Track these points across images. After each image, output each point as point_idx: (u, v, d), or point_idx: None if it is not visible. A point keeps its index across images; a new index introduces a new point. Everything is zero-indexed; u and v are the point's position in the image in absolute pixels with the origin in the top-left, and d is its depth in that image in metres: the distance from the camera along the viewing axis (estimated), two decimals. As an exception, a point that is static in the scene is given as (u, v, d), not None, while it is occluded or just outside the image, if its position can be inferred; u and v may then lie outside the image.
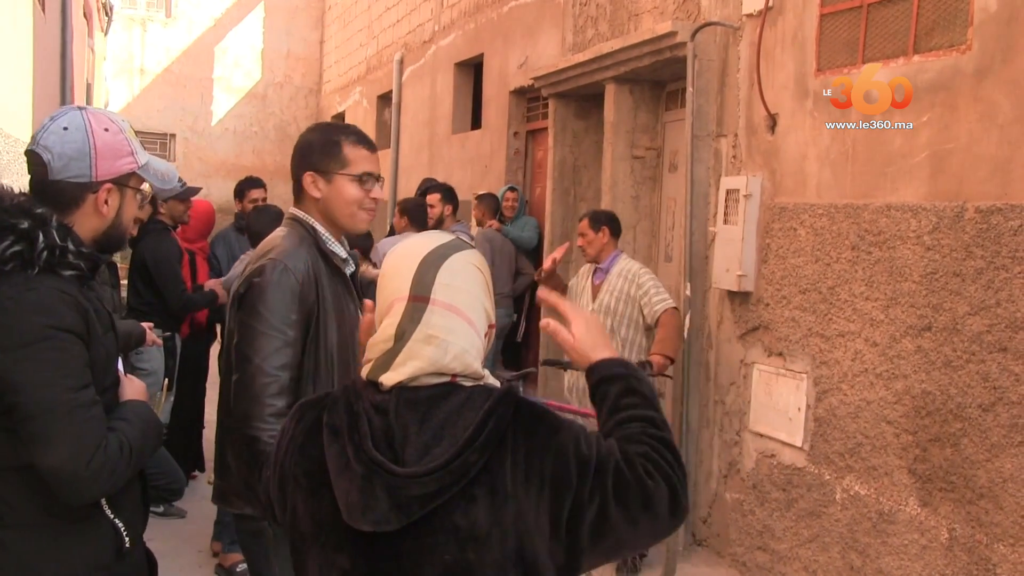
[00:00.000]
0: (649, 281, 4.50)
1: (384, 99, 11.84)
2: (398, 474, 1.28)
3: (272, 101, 16.23)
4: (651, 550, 4.47)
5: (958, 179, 3.40)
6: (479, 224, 7.07)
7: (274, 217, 4.68)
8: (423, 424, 1.32)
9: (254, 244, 4.71)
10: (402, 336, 1.35)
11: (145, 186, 1.96)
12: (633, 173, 5.79)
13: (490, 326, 1.43)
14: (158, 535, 4.58)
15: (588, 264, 4.77)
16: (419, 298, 1.36)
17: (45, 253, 1.68)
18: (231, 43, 16.04)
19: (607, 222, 4.67)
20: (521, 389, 4.47)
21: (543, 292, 1.61)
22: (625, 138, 5.74)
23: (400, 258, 1.41)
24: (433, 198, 5.95)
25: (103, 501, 1.76)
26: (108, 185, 1.81)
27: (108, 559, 1.77)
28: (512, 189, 7.17)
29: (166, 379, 4.48)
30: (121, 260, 6.26)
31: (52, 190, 1.77)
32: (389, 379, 1.35)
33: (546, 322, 1.54)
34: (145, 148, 1.95)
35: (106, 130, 1.80)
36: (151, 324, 3.35)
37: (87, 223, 1.81)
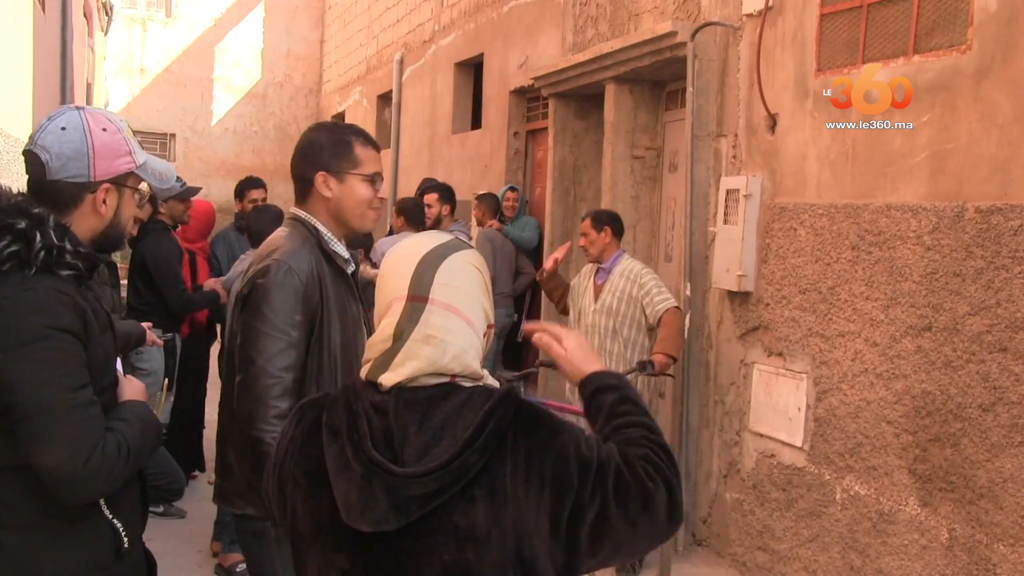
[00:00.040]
0: (651, 281, 4.49)
1: (384, 99, 11.84)
2: (397, 474, 1.28)
3: (272, 101, 16.23)
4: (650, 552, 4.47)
5: (958, 179, 3.40)
6: (479, 224, 7.07)
7: (274, 217, 4.68)
8: (422, 424, 1.32)
9: (254, 244, 4.71)
10: (400, 336, 1.35)
11: (143, 185, 1.95)
12: (633, 173, 5.79)
13: (489, 326, 1.43)
14: (158, 535, 4.58)
15: (590, 264, 4.76)
16: (417, 298, 1.36)
17: (42, 253, 1.68)
18: (231, 43, 16.04)
19: (609, 222, 4.66)
20: (522, 390, 4.47)
21: (530, 327, 1.61)
22: (625, 138, 5.74)
23: (399, 258, 1.41)
24: (430, 198, 5.96)
25: (101, 501, 1.75)
26: (106, 185, 1.81)
27: (106, 559, 1.77)
28: (512, 189, 7.17)
29: (166, 379, 4.48)
30: (121, 260, 6.26)
31: (50, 190, 1.77)
32: (388, 379, 1.35)
33: (538, 336, 1.56)
34: (145, 148, 1.95)
35: (104, 130, 1.80)
36: (150, 324, 3.35)
37: (85, 223, 1.81)
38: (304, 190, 2.30)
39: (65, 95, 8.38)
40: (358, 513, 1.29)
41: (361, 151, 2.28)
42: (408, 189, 8.78)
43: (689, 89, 4.80)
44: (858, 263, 3.83)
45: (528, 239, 6.95)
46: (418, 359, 1.34)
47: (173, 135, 15.71)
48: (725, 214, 4.61)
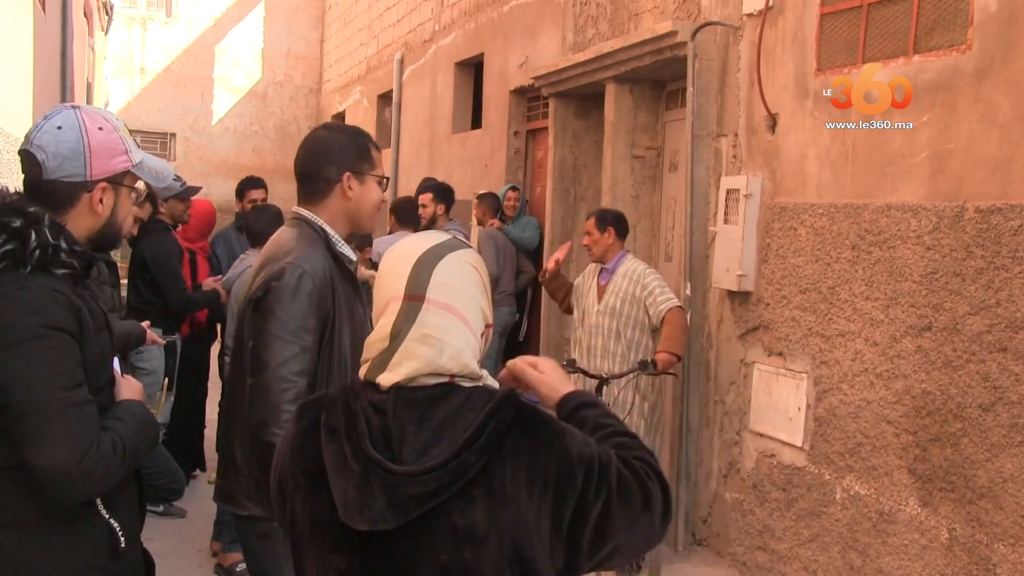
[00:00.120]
0: (654, 282, 4.48)
1: (384, 98, 11.84)
2: (395, 472, 1.28)
3: (272, 100, 16.23)
4: (653, 551, 4.47)
5: (958, 179, 3.40)
6: (480, 224, 7.07)
7: (274, 217, 4.69)
8: (421, 424, 1.32)
9: (253, 244, 4.71)
10: (397, 335, 1.35)
11: (140, 184, 1.95)
12: (633, 173, 5.79)
13: (487, 326, 1.43)
14: (158, 534, 4.59)
15: (594, 264, 4.75)
16: (414, 297, 1.36)
17: (37, 252, 1.68)
18: (231, 42, 16.04)
19: (613, 223, 4.63)
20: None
21: (515, 364, 1.61)
22: (625, 138, 5.74)
23: (396, 257, 1.41)
24: (425, 198, 5.96)
25: (98, 501, 1.75)
26: (103, 184, 1.81)
27: (103, 559, 1.76)
28: (514, 189, 7.17)
29: (166, 379, 4.48)
30: (121, 259, 6.27)
31: (47, 189, 1.77)
32: (386, 379, 1.35)
33: (512, 363, 1.58)
34: (145, 148, 1.95)
35: (100, 129, 1.80)
36: (148, 323, 3.35)
37: (82, 222, 1.81)
38: (320, 190, 2.28)
39: (65, 94, 8.38)
40: (356, 512, 1.29)
41: (375, 153, 2.33)
42: (408, 189, 8.78)
43: (689, 89, 4.80)
44: (858, 263, 3.83)
45: (529, 239, 6.95)
46: (415, 359, 1.34)
47: (173, 135, 15.71)
48: (725, 214, 4.61)
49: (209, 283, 5.19)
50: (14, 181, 1.97)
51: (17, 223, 1.68)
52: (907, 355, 3.59)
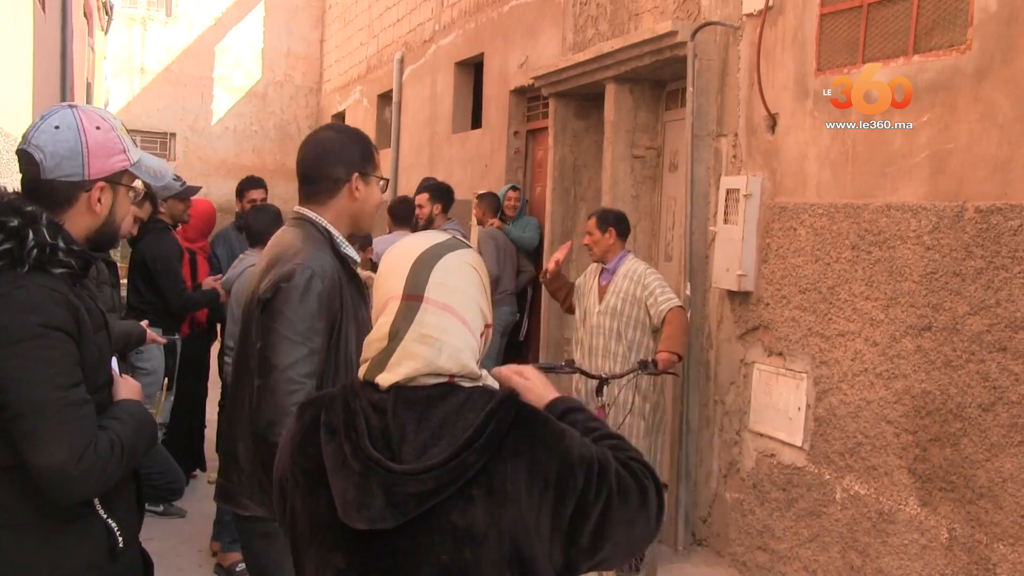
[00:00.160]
0: (655, 282, 4.48)
1: (384, 98, 11.84)
2: (395, 471, 1.28)
3: (272, 100, 16.22)
4: (648, 551, 4.47)
5: (958, 179, 3.40)
6: (480, 223, 7.07)
7: (273, 217, 4.69)
8: (421, 423, 1.32)
9: (253, 243, 4.71)
10: (396, 335, 1.35)
11: (137, 183, 1.95)
12: (633, 173, 5.79)
13: (486, 326, 1.43)
14: (158, 534, 4.59)
15: (595, 264, 4.74)
16: (413, 297, 1.36)
17: (35, 251, 1.68)
18: (231, 42, 16.03)
19: (615, 223, 4.62)
20: None
21: (500, 372, 1.63)
22: (625, 138, 5.74)
23: (396, 257, 1.41)
24: (421, 198, 5.96)
25: (96, 501, 1.75)
26: (101, 183, 1.80)
27: (101, 559, 1.76)
28: (515, 188, 7.17)
29: (166, 378, 4.49)
30: (121, 259, 6.26)
31: (45, 189, 1.76)
32: (385, 380, 1.35)
33: (497, 370, 1.59)
34: (145, 147, 1.96)
35: (98, 128, 1.80)
36: (147, 322, 3.34)
37: (80, 221, 1.81)
38: (327, 190, 2.28)
39: (65, 94, 8.37)
40: (355, 511, 1.29)
41: (376, 155, 2.34)
42: (408, 189, 8.78)
43: (689, 89, 4.80)
44: (858, 263, 3.83)
45: (529, 239, 6.95)
46: (414, 359, 1.34)
47: (173, 134, 15.71)
48: (725, 214, 4.61)
49: (209, 282, 5.19)
50: (13, 181, 1.97)
51: (15, 222, 1.68)
52: (907, 355, 3.59)
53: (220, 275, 5.19)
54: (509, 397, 1.34)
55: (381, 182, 2.35)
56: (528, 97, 7.68)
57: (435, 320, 1.35)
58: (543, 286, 5.19)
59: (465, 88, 9.24)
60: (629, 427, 4.51)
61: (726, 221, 4.60)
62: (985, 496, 3.25)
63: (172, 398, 5.11)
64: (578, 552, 1.33)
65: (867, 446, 3.76)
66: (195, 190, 5.09)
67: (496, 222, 6.89)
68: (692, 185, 4.87)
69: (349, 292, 2.23)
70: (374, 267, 5.32)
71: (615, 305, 4.53)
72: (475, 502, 1.28)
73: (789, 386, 4.21)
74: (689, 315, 4.74)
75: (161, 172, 1.97)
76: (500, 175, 7.78)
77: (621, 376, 4.35)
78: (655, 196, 5.84)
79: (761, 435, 4.41)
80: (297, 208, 2.33)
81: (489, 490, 1.28)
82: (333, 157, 2.28)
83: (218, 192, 13.65)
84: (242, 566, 4.00)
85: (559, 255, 4.84)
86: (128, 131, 1.91)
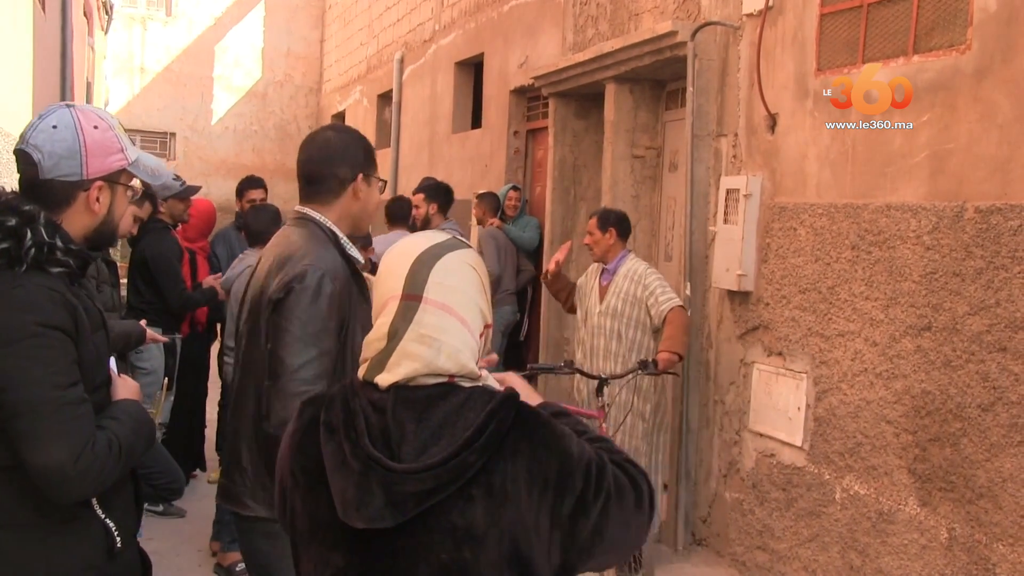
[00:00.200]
0: (655, 282, 4.48)
1: (384, 98, 11.84)
2: (394, 470, 1.28)
3: (272, 100, 16.23)
4: (646, 551, 4.47)
5: (958, 179, 3.40)
6: (480, 223, 7.07)
7: (272, 216, 4.69)
8: (420, 423, 1.32)
9: (252, 243, 4.71)
10: (395, 335, 1.35)
11: (135, 182, 1.95)
12: (633, 173, 5.79)
13: (486, 326, 1.43)
14: (157, 534, 4.60)
15: (596, 264, 4.74)
16: (412, 297, 1.36)
17: (33, 250, 1.67)
18: (231, 42, 16.04)
19: (615, 223, 4.62)
20: None
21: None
22: (625, 137, 5.74)
23: (395, 257, 1.41)
24: (417, 198, 5.96)
25: (94, 501, 1.74)
26: (99, 183, 1.80)
27: (99, 559, 1.76)
28: (515, 188, 7.18)
29: (166, 378, 4.49)
30: (121, 259, 6.26)
31: (43, 189, 1.76)
32: (384, 380, 1.35)
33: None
34: (145, 147, 1.96)
35: (95, 127, 1.79)
36: (144, 321, 3.34)
37: (78, 221, 1.80)
38: (332, 189, 2.28)
39: (65, 94, 8.37)
40: (354, 510, 1.29)
41: (375, 157, 2.36)
42: (408, 189, 8.76)
43: (689, 89, 4.80)
44: (858, 263, 3.83)
45: (529, 239, 6.95)
46: (413, 359, 1.34)
47: (173, 134, 15.71)
48: (725, 214, 4.61)
49: (209, 281, 5.19)
50: (13, 181, 1.97)
51: (12, 222, 1.68)
52: (907, 355, 3.59)
53: (220, 274, 5.19)
54: (510, 397, 1.34)
55: (380, 183, 2.36)
56: (528, 97, 7.68)
57: (434, 320, 1.35)
58: (544, 286, 5.18)
59: (465, 88, 9.24)
60: (630, 427, 4.51)
61: (726, 221, 4.60)
62: (985, 496, 3.25)
63: (172, 398, 5.11)
64: (577, 552, 1.34)
65: (867, 446, 3.76)
66: (195, 190, 5.09)
67: (496, 221, 6.89)
68: (692, 185, 4.87)
69: (355, 292, 2.23)
70: (374, 267, 5.33)
71: (615, 305, 4.53)
72: (475, 501, 1.28)
73: (789, 386, 4.21)
74: (689, 315, 4.74)
75: (158, 171, 1.97)
76: (500, 175, 7.78)
77: (621, 376, 4.35)
78: (655, 196, 5.84)
79: (761, 435, 4.41)
80: (299, 208, 2.32)
81: (489, 489, 1.28)
82: (338, 157, 2.28)
83: (218, 192, 13.66)
84: (241, 566, 4.01)
85: (559, 256, 4.84)
86: (128, 131, 1.91)
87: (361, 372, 1.39)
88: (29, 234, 1.68)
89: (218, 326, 5.53)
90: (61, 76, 8.36)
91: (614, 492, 1.35)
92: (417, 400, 1.34)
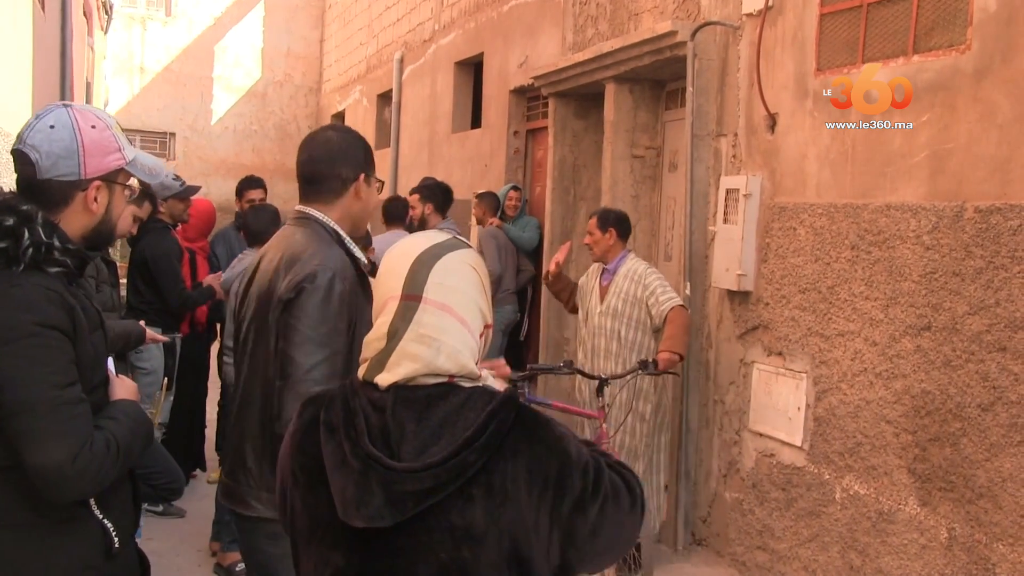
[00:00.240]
0: (656, 281, 4.47)
1: (384, 98, 11.84)
2: (394, 469, 1.28)
3: (272, 100, 16.23)
4: (645, 551, 4.47)
5: (957, 179, 3.40)
6: (479, 223, 7.07)
7: (271, 216, 4.69)
8: (420, 422, 1.33)
9: (251, 243, 4.71)
10: (395, 335, 1.35)
11: (133, 181, 1.95)
12: (633, 172, 5.79)
13: (486, 326, 1.43)
14: (157, 534, 4.60)
15: (597, 263, 4.74)
16: (411, 297, 1.36)
17: (30, 250, 1.67)
18: (231, 42, 16.03)
19: (615, 223, 4.61)
20: (525, 390, 4.46)
21: None
22: (625, 137, 5.74)
23: (396, 257, 1.42)
24: (412, 199, 5.96)
25: (91, 501, 1.74)
26: (97, 182, 1.80)
27: (97, 559, 1.76)
28: (516, 189, 7.18)
29: (165, 378, 4.49)
30: (121, 259, 6.26)
31: (41, 189, 1.76)
32: (384, 380, 1.35)
33: None
34: (145, 147, 1.96)
35: (93, 127, 1.79)
36: (143, 322, 3.34)
37: (76, 220, 1.80)
38: (334, 189, 2.27)
39: (65, 94, 8.37)
40: (354, 508, 1.29)
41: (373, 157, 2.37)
42: (408, 188, 8.76)
43: (689, 89, 4.80)
44: (857, 263, 3.83)
45: (528, 239, 6.95)
46: (413, 359, 1.34)
47: (173, 134, 15.71)
48: (725, 213, 4.61)
49: (209, 279, 5.19)
50: (12, 181, 1.96)
51: (10, 221, 1.68)
52: (906, 355, 3.59)
53: (220, 273, 5.19)
54: (510, 398, 1.35)
55: (378, 183, 2.37)
56: (528, 97, 7.68)
57: (433, 320, 1.35)
58: (546, 287, 5.18)
59: (465, 88, 9.24)
60: (630, 428, 4.51)
61: (726, 221, 4.60)
62: (984, 496, 3.25)
63: (172, 398, 5.11)
64: (575, 552, 1.34)
65: (867, 446, 3.77)
66: (195, 190, 5.09)
67: (496, 221, 6.89)
68: (692, 185, 4.87)
69: (360, 292, 2.23)
70: (373, 268, 5.33)
71: (616, 306, 4.53)
72: (474, 501, 1.28)
73: (789, 386, 4.21)
74: (689, 314, 4.74)
75: (156, 170, 1.97)
76: (500, 175, 7.78)
77: (621, 377, 4.35)
78: (655, 196, 5.84)
79: (761, 435, 4.41)
80: (300, 207, 2.31)
81: (489, 489, 1.29)
82: (340, 157, 2.27)
83: (218, 192, 13.66)
84: (241, 566, 4.00)
85: (559, 257, 4.84)
86: (128, 131, 1.91)
87: (361, 372, 1.39)
88: (27, 234, 1.68)
89: (218, 326, 5.53)
90: (61, 76, 8.36)
91: (611, 493, 1.36)
92: (417, 400, 1.34)
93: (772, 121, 4.36)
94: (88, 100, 11.83)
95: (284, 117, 16.25)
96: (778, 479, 4.28)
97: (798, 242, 4.17)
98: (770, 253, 4.35)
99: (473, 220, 7.28)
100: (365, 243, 4.97)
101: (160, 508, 4.92)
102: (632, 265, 4.58)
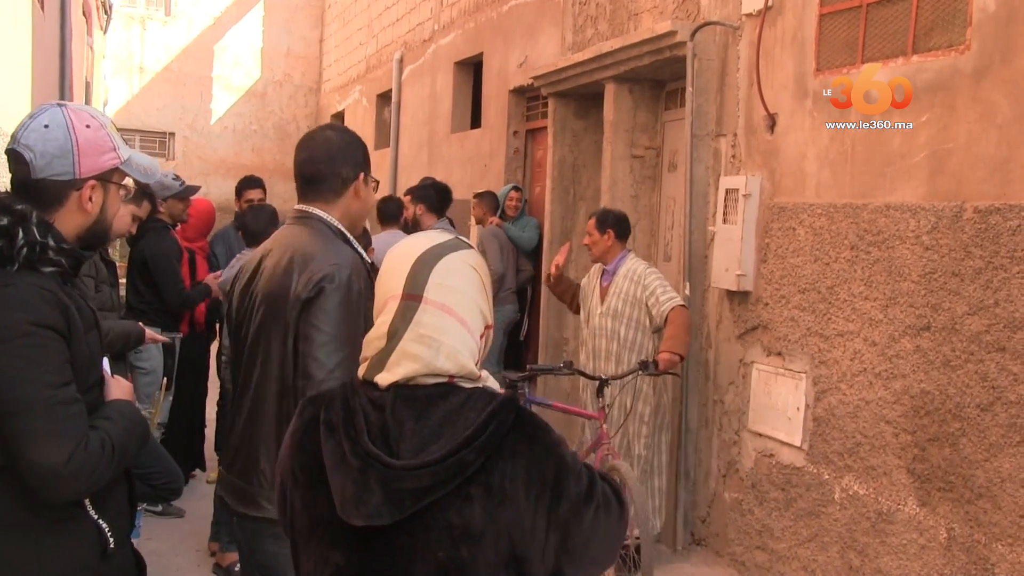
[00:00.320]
0: (655, 281, 4.47)
1: (384, 98, 11.84)
2: (393, 466, 1.28)
3: (272, 100, 16.22)
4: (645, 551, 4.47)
5: (957, 179, 3.40)
6: (479, 223, 7.07)
7: (270, 216, 4.69)
8: (419, 421, 1.33)
9: (249, 243, 4.70)
10: (395, 335, 1.35)
11: (128, 181, 1.94)
12: (633, 172, 5.79)
13: (487, 327, 1.43)
14: (156, 534, 4.60)
15: (597, 264, 4.74)
16: (412, 297, 1.36)
17: (24, 250, 1.67)
18: (231, 41, 16.03)
19: (614, 224, 4.61)
20: (526, 390, 4.46)
21: None
22: (625, 137, 5.74)
23: (397, 257, 1.42)
24: (406, 199, 5.96)
25: (86, 501, 1.74)
26: (92, 182, 1.80)
27: (92, 560, 1.75)
28: (516, 189, 7.18)
29: (165, 378, 4.48)
30: (120, 258, 6.26)
31: (35, 189, 1.75)
32: (384, 379, 1.35)
33: None
34: (144, 147, 1.95)
35: (87, 127, 1.79)
36: (141, 323, 3.34)
37: (71, 220, 1.80)
38: (335, 188, 2.26)
39: (64, 94, 8.37)
40: (353, 507, 1.29)
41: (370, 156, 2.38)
42: (407, 188, 8.77)
43: (689, 89, 4.80)
44: (857, 263, 3.83)
45: (528, 239, 6.96)
46: (412, 359, 1.34)
47: (172, 134, 15.70)
48: (724, 214, 4.61)
49: (209, 279, 5.18)
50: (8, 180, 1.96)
51: (4, 221, 1.68)
52: (906, 355, 3.59)
53: (219, 272, 5.19)
54: (510, 399, 1.35)
55: (374, 183, 2.38)
56: (527, 97, 7.68)
57: (433, 320, 1.35)
58: (548, 288, 5.18)
59: (464, 88, 9.24)
60: (632, 429, 4.51)
61: (725, 221, 4.60)
62: (984, 496, 3.25)
63: (171, 398, 5.11)
64: (567, 557, 1.35)
65: (866, 446, 3.76)
66: (194, 189, 5.09)
67: (496, 220, 6.90)
68: (691, 185, 4.87)
69: (370, 290, 2.24)
70: (374, 268, 5.33)
71: (616, 306, 4.53)
72: (473, 501, 1.29)
73: (788, 386, 4.21)
74: (690, 314, 4.74)
75: (151, 169, 1.96)
76: (499, 175, 7.78)
77: (621, 377, 4.35)
78: (654, 196, 5.84)
79: (760, 435, 4.41)
80: (301, 206, 2.30)
81: (487, 489, 1.29)
82: (340, 156, 2.27)
83: (217, 191, 13.65)
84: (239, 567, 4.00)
85: (559, 258, 4.84)
86: (127, 131, 1.92)
87: (361, 371, 1.39)
88: (21, 233, 1.67)
89: (217, 326, 5.52)
90: (60, 76, 8.36)
91: (603, 502, 1.37)
92: (417, 399, 1.34)
93: (772, 121, 4.36)
94: (87, 100, 11.83)
95: (284, 117, 16.25)
96: (777, 479, 4.28)
97: (797, 242, 4.16)
98: (769, 253, 4.35)
99: (472, 220, 7.28)
100: (365, 243, 4.97)
101: (159, 508, 4.92)
102: (632, 265, 4.57)
